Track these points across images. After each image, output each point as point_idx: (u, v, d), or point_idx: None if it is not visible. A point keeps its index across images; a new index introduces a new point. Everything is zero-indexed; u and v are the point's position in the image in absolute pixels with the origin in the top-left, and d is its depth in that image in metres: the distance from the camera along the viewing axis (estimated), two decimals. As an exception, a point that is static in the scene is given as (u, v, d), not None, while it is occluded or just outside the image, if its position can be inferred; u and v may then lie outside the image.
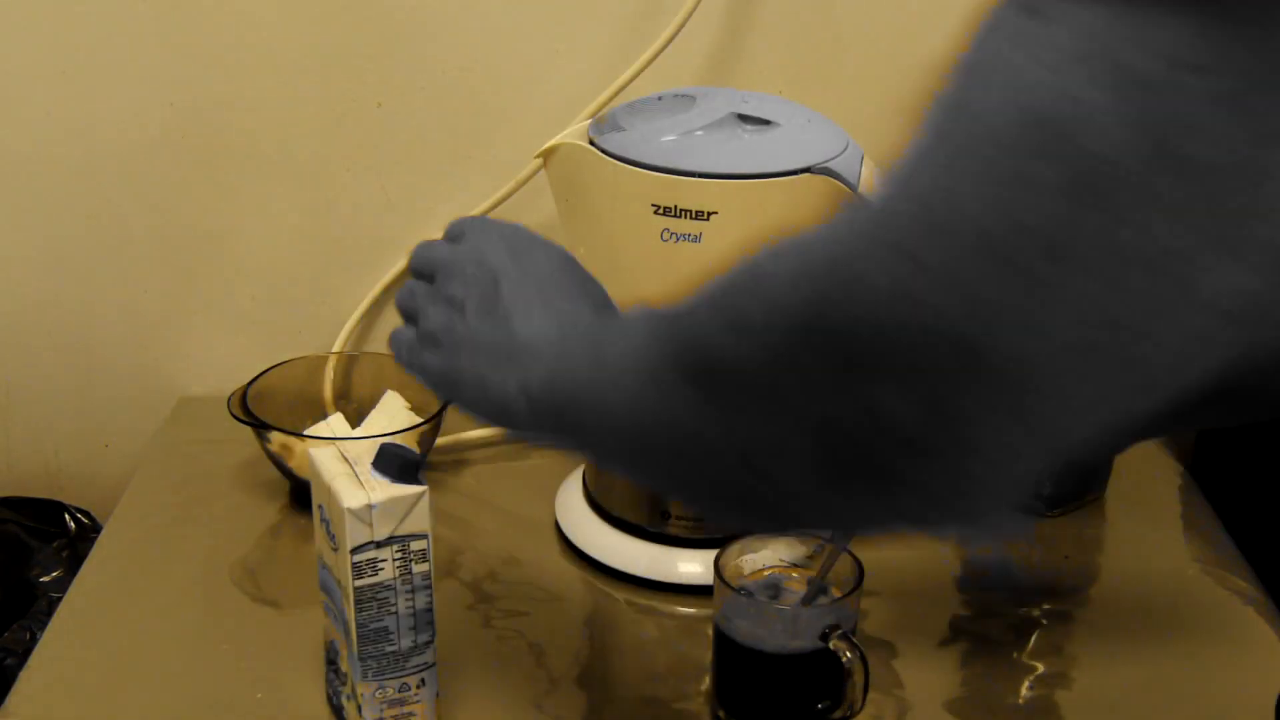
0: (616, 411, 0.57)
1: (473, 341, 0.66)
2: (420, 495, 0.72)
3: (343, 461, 0.74)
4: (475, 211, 1.08)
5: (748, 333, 0.48)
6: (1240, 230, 0.40)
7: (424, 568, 0.74)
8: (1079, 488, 1.01)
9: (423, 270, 0.71)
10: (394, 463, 0.73)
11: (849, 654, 0.75)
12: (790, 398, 0.47)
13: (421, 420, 1.01)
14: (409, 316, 0.70)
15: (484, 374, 0.64)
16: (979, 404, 0.43)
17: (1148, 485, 1.06)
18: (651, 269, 0.86)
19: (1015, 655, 0.88)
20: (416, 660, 0.75)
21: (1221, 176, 0.40)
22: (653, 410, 0.54)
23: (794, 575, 0.81)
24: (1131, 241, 0.40)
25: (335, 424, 1.04)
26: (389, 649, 0.74)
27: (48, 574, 1.04)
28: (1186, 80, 0.39)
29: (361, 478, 0.73)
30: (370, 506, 0.71)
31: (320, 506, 0.75)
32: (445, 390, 0.69)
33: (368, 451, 0.74)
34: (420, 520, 0.73)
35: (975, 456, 0.44)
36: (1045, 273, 0.41)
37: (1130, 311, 0.41)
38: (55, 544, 1.07)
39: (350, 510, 0.71)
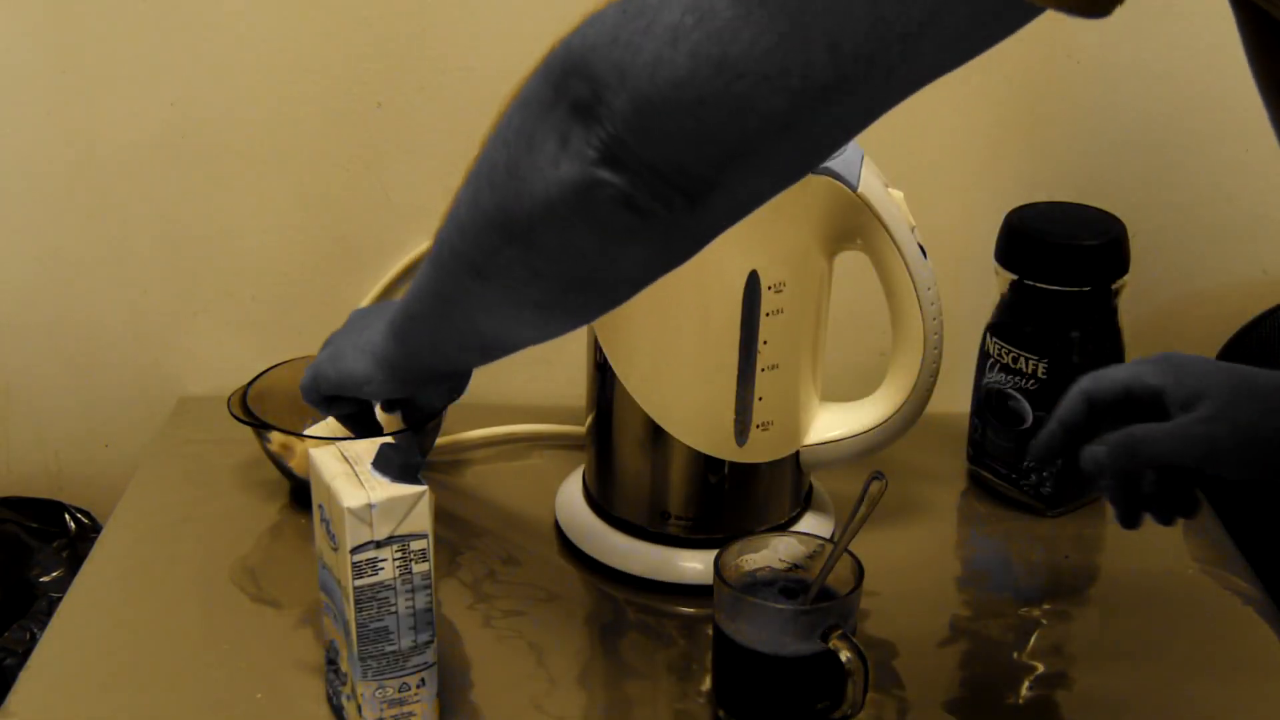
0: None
1: (337, 356, 0.85)
2: (420, 495, 0.72)
3: (343, 461, 0.74)
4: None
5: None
6: None
7: (424, 567, 0.74)
8: (1079, 488, 1.01)
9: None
10: (394, 462, 0.73)
11: (849, 654, 0.75)
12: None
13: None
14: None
15: (350, 367, 0.83)
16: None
17: (1148, 485, 1.06)
18: (651, 269, 0.86)
19: (1015, 655, 0.88)
20: (416, 660, 0.75)
21: None
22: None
23: (794, 575, 0.81)
24: None
25: (334, 424, 1.03)
26: (389, 649, 0.74)
27: (48, 574, 1.04)
28: None
29: (361, 477, 0.72)
30: (370, 506, 0.71)
31: (320, 506, 0.75)
32: (318, 385, 0.86)
33: (368, 451, 0.74)
34: (420, 520, 0.73)
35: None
36: None
37: None
38: (55, 544, 1.07)
39: (350, 510, 0.71)
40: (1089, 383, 0.80)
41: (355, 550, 0.71)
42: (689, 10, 0.49)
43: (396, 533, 0.72)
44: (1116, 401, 0.79)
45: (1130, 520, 0.80)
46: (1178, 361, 0.79)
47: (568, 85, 0.55)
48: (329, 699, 0.81)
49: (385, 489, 0.72)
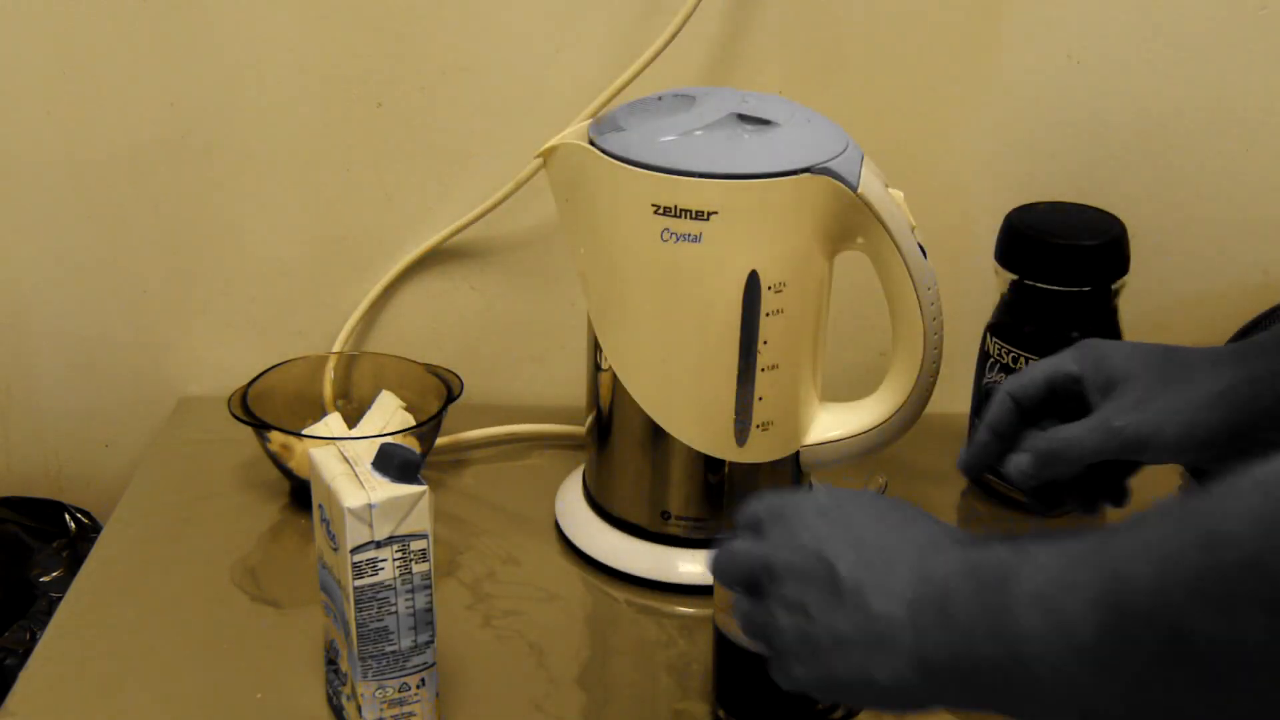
0: (1055, 682, 0.50)
1: (834, 640, 0.59)
2: (420, 495, 0.72)
3: (343, 461, 0.74)
4: (475, 212, 1.08)
5: (1240, 607, 0.43)
6: None
7: (424, 567, 0.74)
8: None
9: (741, 582, 0.65)
10: (394, 462, 0.73)
11: (849, 654, 0.75)
12: None
13: (422, 420, 1.01)
14: (753, 635, 0.64)
15: (864, 667, 0.58)
16: None
17: (1148, 485, 1.06)
18: (651, 269, 0.86)
19: (1015, 655, 0.87)
20: (416, 660, 0.75)
21: None
22: (1103, 685, 0.48)
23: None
24: None
25: (333, 424, 1.04)
26: (389, 649, 0.74)
27: (48, 574, 1.04)
28: None
29: (361, 477, 0.72)
30: (370, 506, 0.71)
31: (320, 506, 0.75)
32: (833, 695, 0.68)
33: (367, 451, 0.74)
34: (420, 520, 0.73)
35: None
36: None
37: None
38: (55, 544, 1.07)
39: (350, 510, 0.71)
40: (1011, 384, 0.79)
41: (355, 550, 0.71)
42: None
43: (396, 533, 0.72)
44: (1041, 399, 0.78)
45: (1050, 510, 0.79)
46: (1096, 349, 0.78)
47: None
48: (329, 699, 0.81)
49: (385, 489, 0.72)
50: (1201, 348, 0.78)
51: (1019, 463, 0.77)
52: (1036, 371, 0.79)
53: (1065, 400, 0.78)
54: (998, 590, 0.53)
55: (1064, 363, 0.78)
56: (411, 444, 0.99)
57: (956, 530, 0.62)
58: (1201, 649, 0.45)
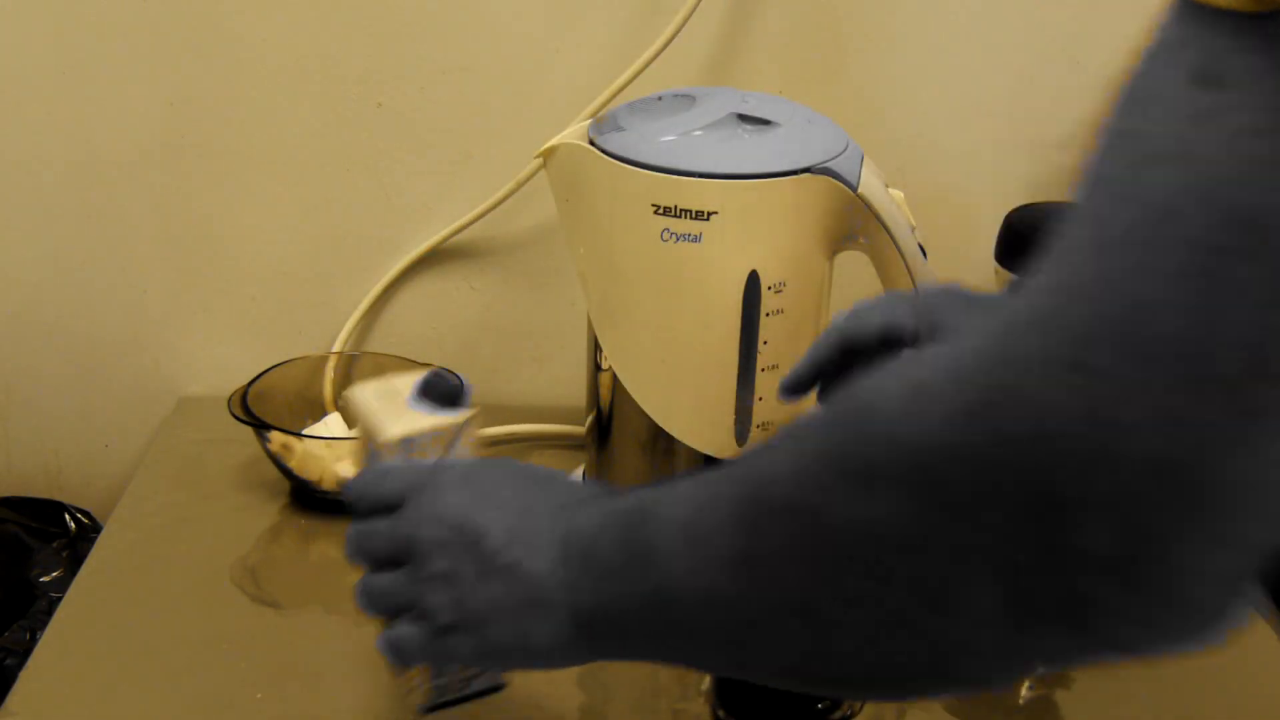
0: (704, 607, 0.50)
1: (493, 606, 0.59)
2: (467, 420, 0.69)
3: (383, 398, 0.71)
4: (475, 212, 1.08)
5: (879, 485, 0.43)
6: None
7: None
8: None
9: (381, 559, 0.63)
10: (436, 392, 0.70)
11: (849, 654, 0.75)
12: (952, 549, 0.42)
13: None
14: (394, 612, 0.63)
15: (524, 630, 0.58)
16: (1188, 526, 0.39)
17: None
18: (651, 269, 0.86)
19: (1015, 655, 0.87)
20: None
21: None
22: (749, 595, 0.48)
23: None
24: None
25: (333, 424, 1.04)
26: None
27: (48, 574, 1.04)
28: None
29: (403, 411, 0.69)
30: (409, 440, 0.67)
31: (372, 452, 0.71)
32: (490, 663, 0.65)
33: (407, 384, 0.71)
34: (468, 446, 0.69)
35: (1185, 575, 0.40)
36: (1258, 390, 0.37)
37: None
38: (55, 544, 1.07)
39: (393, 441, 0.67)
40: (847, 323, 0.76)
41: None
42: None
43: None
44: (872, 343, 0.74)
45: None
46: (927, 296, 0.75)
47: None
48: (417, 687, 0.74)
49: (428, 419, 0.69)
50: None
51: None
52: (872, 318, 0.75)
53: (896, 347, 0.73)
54: (639, 527, 0.53)
55: (897, 311, 0.74)
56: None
57: (603, 487, 0.62)
58: (841, 533, 0.44)
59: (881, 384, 0.45)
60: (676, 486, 0.53)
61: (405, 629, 0.62)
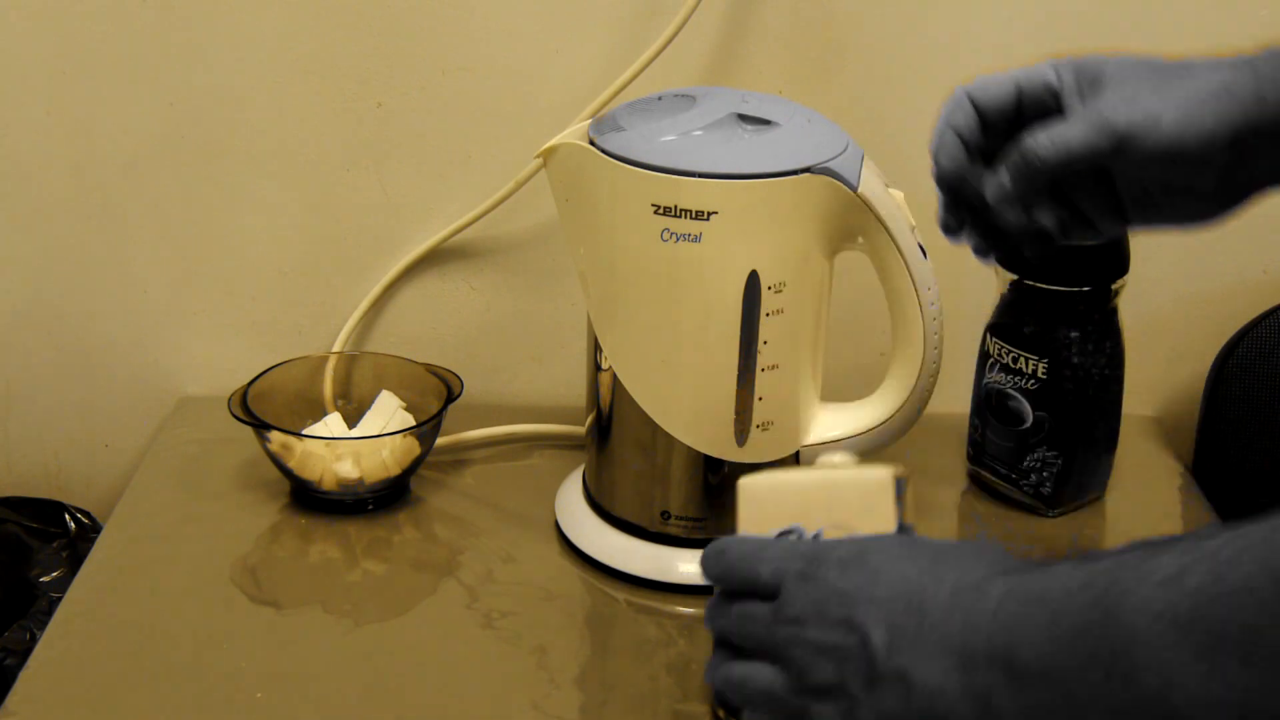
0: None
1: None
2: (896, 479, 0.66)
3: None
4: (475, 212, 1.08)
5: None
6: None
7: None
8: (1079, 488, 1.01)
9: (752, 650, 0.59)
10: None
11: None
12: None
13: (421, 421, 1.01)
14: (774, 715, 0.58)
15: None
16: None
17: (1148, 485, 1.06)
18: (651, 269, 0.86)
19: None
20: None
21: None
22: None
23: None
24: None
25: (333, 424, 1.04)
26: None
27: (48, 574, 1.04)
28: None
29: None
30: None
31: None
32: None
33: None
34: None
35: None
36: None
37: None
38: (55, 544, 1.07)
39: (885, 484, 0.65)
40: (973, 88, 0.71)
41: None
42: None
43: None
44: (1008, 110, 0.69)
45: (1044, 248, 0.71)
46: (1075, 58, 0.69)
47: None
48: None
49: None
50: (1201, 57, 0.67)
51: (999, 179, 0.68)
52: (1004, 77, 0.69)
53: (1036, 118, 0.68)
54: (1098, 621, 0.47)
55: (1038, 70, 0.68)
56: (411, 444, 0.99)
57: (991, 551, 0.55)
58: None
59: None
60: (1147, 562, 0.46)
61: None
